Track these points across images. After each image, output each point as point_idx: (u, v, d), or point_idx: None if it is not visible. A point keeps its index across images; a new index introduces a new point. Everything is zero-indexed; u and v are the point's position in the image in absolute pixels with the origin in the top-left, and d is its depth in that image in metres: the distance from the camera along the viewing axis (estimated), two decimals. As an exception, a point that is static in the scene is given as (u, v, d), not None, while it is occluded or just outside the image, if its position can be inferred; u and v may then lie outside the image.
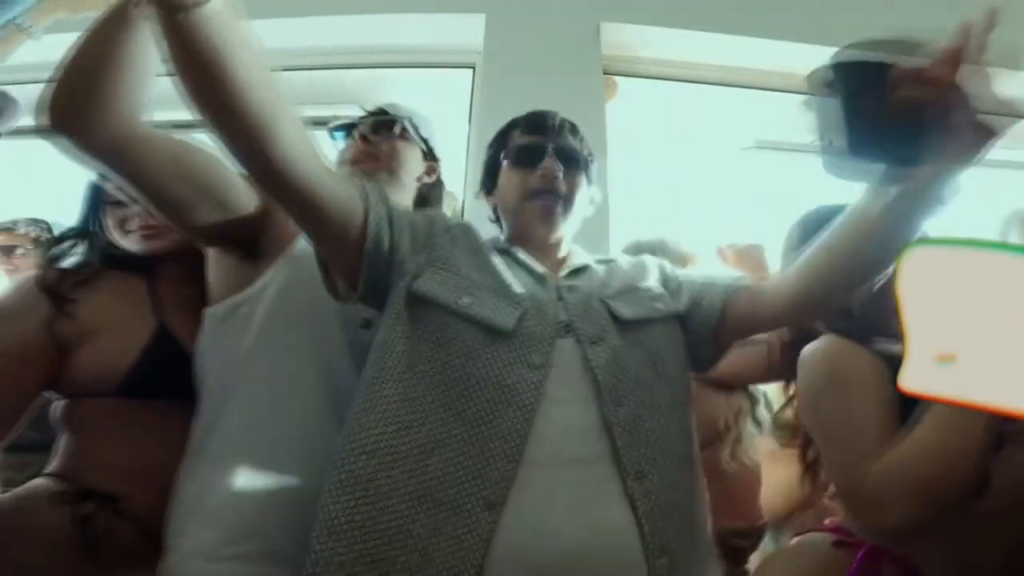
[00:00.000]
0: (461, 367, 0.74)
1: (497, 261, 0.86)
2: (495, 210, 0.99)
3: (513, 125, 0.98)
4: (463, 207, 1.60)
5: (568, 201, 0.91)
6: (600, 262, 0.96)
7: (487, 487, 0.67)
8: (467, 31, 1.74)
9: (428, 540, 0.66)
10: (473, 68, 1.83)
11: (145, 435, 0.89)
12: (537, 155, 0.91)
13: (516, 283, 0.83)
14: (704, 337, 0.89)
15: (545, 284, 0.85)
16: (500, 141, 0.99)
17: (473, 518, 0.66)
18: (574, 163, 0.92)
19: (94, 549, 0.80)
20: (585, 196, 0.95)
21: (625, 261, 0.97)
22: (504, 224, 0.97)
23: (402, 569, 0.65)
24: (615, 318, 0.81)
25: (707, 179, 2.23)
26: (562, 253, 0.94)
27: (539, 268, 0.88)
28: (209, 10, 0.56)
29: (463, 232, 0.90)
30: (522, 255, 0.90)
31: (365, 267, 0.78)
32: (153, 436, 0.89)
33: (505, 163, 0.94)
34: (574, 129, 0.96)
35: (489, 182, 0.99)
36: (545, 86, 1.64)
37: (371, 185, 0.82)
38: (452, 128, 1.80)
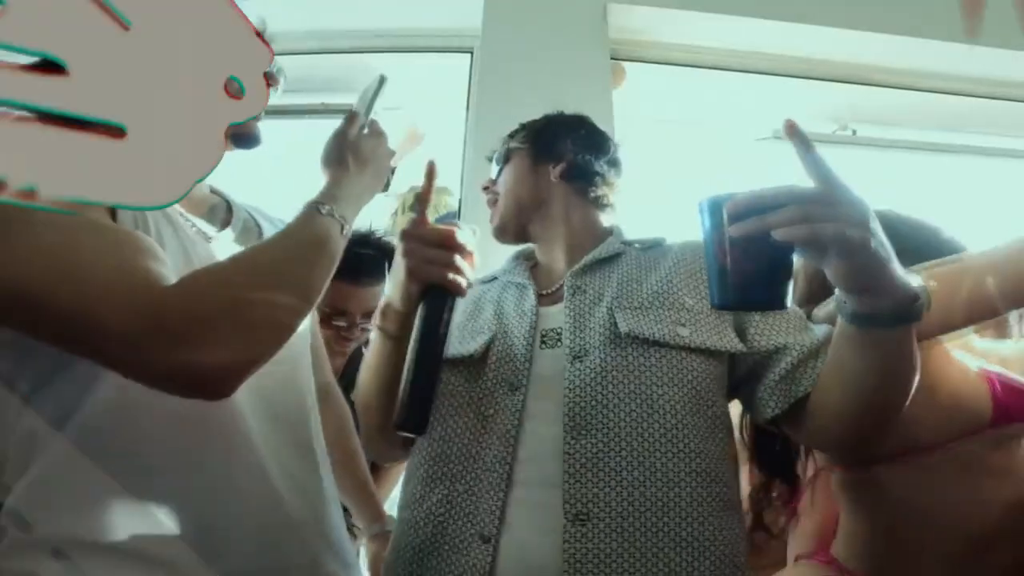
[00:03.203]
0: (448, 407, 0.80)
1: (478, 294, 0.91)
2: None
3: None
4: (460, 203, 1.59)
5: (498, 198, 0.96)
6: (645, 248, 0.90)
7: (480, 520, 0.72)
8: (465, 11, 1.73)
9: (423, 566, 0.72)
10: (471, 52, 1.82)
11: None
12: None
13: (489, 309, 0.87)
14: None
15: (526, 295, 0.86)
16: None
17: (472, 553, 0.71)
18: (498, 163, 0.98)
19: None
20: (524, 179, 0.94)
21: (678, 253, 0.87)
22: None
23: None
24: (617, 331, 0.77)
25: (721, 170, 2.23)
26: (578, 247, 0.90)
27: (520, 279, 0.90)
28: None
29: None
30: (511, 272, 0.93)
31: None
32: None
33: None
34: (511, 133, 1.01)
35: None
36: (548, 72, 1.64)
37: None
38: (449, 117, 1.80)
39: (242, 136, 0.80)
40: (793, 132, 0.58)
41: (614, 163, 0.97)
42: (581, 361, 0.76)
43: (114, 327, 0.57)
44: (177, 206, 0.75)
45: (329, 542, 0.80)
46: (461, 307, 0.87)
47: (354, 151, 0.79)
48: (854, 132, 2.04)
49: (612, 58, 1.75)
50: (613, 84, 1.73)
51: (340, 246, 0.74)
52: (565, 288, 0.84)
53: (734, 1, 1.76)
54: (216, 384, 0.63)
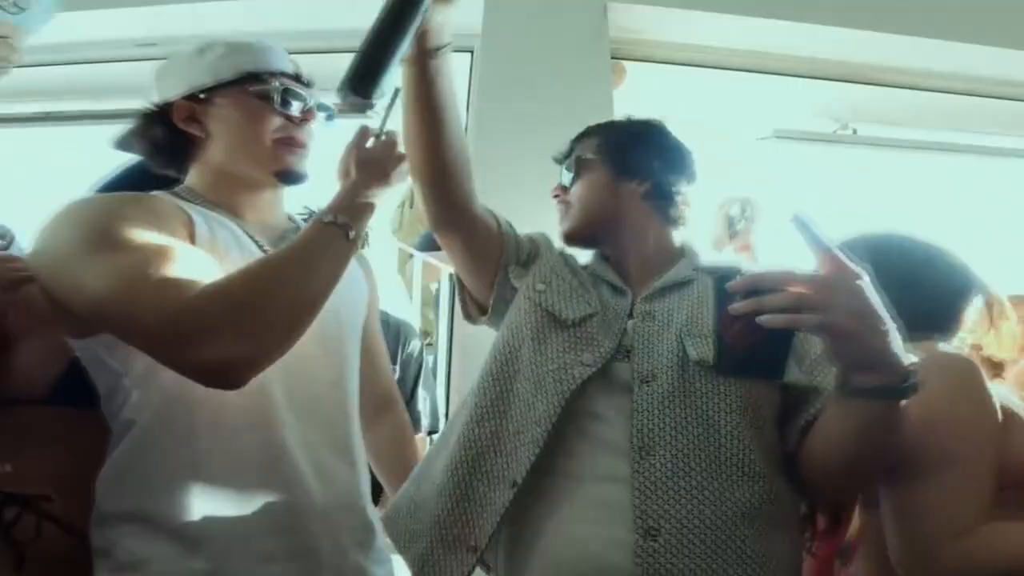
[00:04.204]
0: (518, 347, 0.84)
1: (584, 272, 0.94)
2: None
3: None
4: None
5: (569, 207, 0.96)
6: (719, 272, 0.89)
7: (515, 467, 0.76)
8: (464, 11, 1.73)
9: (458, 502, 0.78)
10: (471, 52, 1.82)
11: (75, 441, 0.87)
12: None
13: (590, 287, 0.89)
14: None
15: (623, 298, 0.88)
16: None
17: (497, 493, 0.75)
18: (570, 171, 0.97)
19: (19, 556, 0.79)
20: (602, 195, 0.93)
21: None
22: None
23: (432, 522, 0.79)
24: (686, 357, 0.79)
25: (721, 171, 2.24)
26: (649, 264, 0.92)
27: (617, 282, 0.90)
28: (447, 55, 0.79)
29: (556, 248, 0.98)
30: (601, 270, 0.93)
31: (497, 283, 0.93)
32: (75, 442, 0.87)
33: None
34: (580, 136, 0.99)
35: None
36: (548, 71, 1.64)
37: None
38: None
39: (290, 174, 0.93)
40: (799, 223, 0.62)
41: (693, 178, 0.97)
42: (649, 384, 0.78)
43: (144, 328, 0.72)
44: (248, 232, 0.89)
45: (359, 535, 0.87)
46: (557, 265, 0.92)
47: (361, 163, 0.87)
48: (855, 131, 2.04)
49: (612, 57, 1.75)
50: (613, 83, 1.74)
51: (345, 250, 0.82)
52: (635, 312, 0.86)
53: (735, 0, 1.77)
54: (225, 376, 0.74)
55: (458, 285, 0.97)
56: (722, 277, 0.63)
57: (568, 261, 0.95)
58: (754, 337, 0.61)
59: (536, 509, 0.75)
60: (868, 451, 0.70)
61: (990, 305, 0.92)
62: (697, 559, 0.70)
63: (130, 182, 0.96)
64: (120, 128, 0.94)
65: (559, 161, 1.00)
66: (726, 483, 0.74)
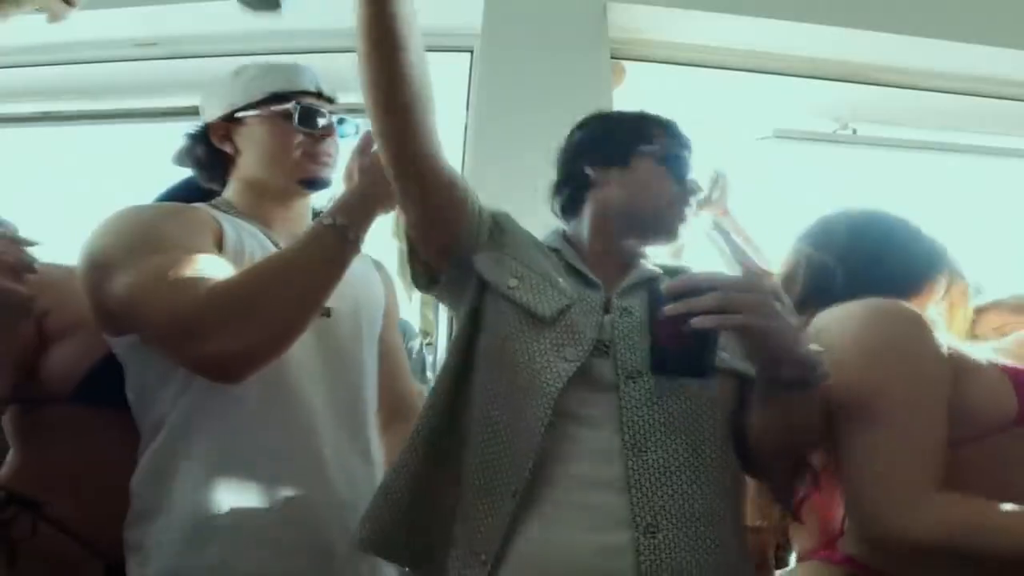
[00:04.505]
0: (499, 349, 0.81)
1: (533, 241, 0.92)
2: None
3: (657, 123, 0.96)
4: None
5: None
6: (672, 274, 0.89)
7: (514, 477, 0.74)
8: (464, 11, 1.74)
9: (460, 520, 0.77)
10: (471, 52, 1.83)
11: (92, 442, 0.91)
12: (687, 171, 0.94)
13: (567, 280, 0.86)
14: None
15: (598, 292, 0.85)
16: (639, 130, 0.95)
17: (500, 504, 0.74)
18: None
19: (11, 555, 0.81)
20: None
21: None
22: (599, 217, 0.93)
23: (436, 543, 0.77)
24: None
25: (721, 170, 2.23)
26: (624, 262, 0.92)
27: (592, 275, 0.88)
28: None
29: (522, 229, 0.94)
30: (572, 258, 0.90)
31: (451, 256, 0.86)
32: (98, 442, 0.91)
33: (652, 161, 0.92)
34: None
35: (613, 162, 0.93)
36: (548, 71, 1.65)
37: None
38: (449, 116, 1.81)
39: (313, 181, 1.02)
40: (719, 231, 0.67)
41: None
42: (635, 381, 0.78)
43: (157, 324, 0.79)
44: (275, 241, 0.97)
45: None
46: (525, 253, 0.88)
47: (363, 168, 0.93)
48: (855, 131, 2.04)
49: (612, 57, 1.75)
50: (614, 83, 1.74)
51: (344, 251, 0.87)
52: (611, 307, 0.84)
53: (734, 0, 1.77)
54: (225, 370, 0.80)
55: (408, 249, 0.88)
56: (655, 280, 0.67)
57: (536, 241, 0.92)
58: (684, 338, 0.67)
59: (522, 516, 0.73)
60: (796, 432, 0.76)
61: (952, 287, 0.94)
62: (695, 553, 0.71)
63: (185, 193, 1.07)
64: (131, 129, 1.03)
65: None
66: (713, 476, 0.76)
